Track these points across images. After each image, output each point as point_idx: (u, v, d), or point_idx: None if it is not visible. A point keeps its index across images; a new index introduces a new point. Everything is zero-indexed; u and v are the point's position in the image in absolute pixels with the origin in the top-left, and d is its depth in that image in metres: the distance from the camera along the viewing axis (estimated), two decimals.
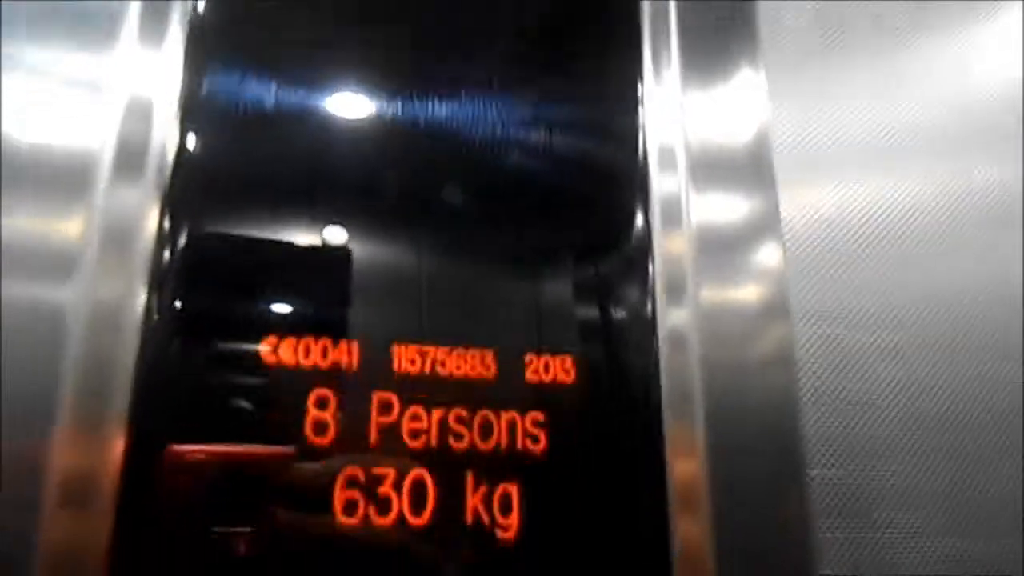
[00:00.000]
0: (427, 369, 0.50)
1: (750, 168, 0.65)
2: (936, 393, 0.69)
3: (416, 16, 0.60)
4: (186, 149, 0.52)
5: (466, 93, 0.57)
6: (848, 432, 0.65)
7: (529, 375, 0.52)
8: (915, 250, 0.73)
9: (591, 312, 0.57)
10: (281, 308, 0.50)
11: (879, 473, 0.65)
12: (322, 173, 0.54)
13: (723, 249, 0.61)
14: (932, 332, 0.70)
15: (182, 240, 0.49)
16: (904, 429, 0.67)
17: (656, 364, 0.54)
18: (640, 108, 0.63)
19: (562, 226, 0.59)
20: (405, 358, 0.50)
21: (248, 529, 0.44)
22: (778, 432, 0.57)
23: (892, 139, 0.76)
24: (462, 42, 0.60)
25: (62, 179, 0.49)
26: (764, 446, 0.56)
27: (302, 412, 0.47)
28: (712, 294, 0.59)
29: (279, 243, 0.51)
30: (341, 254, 0.51)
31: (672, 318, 0.57)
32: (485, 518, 0.48)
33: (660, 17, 0.66)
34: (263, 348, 0.48)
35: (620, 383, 0.55)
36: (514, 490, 0.49)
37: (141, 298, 0.47)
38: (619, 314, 0.57)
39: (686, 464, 0.53)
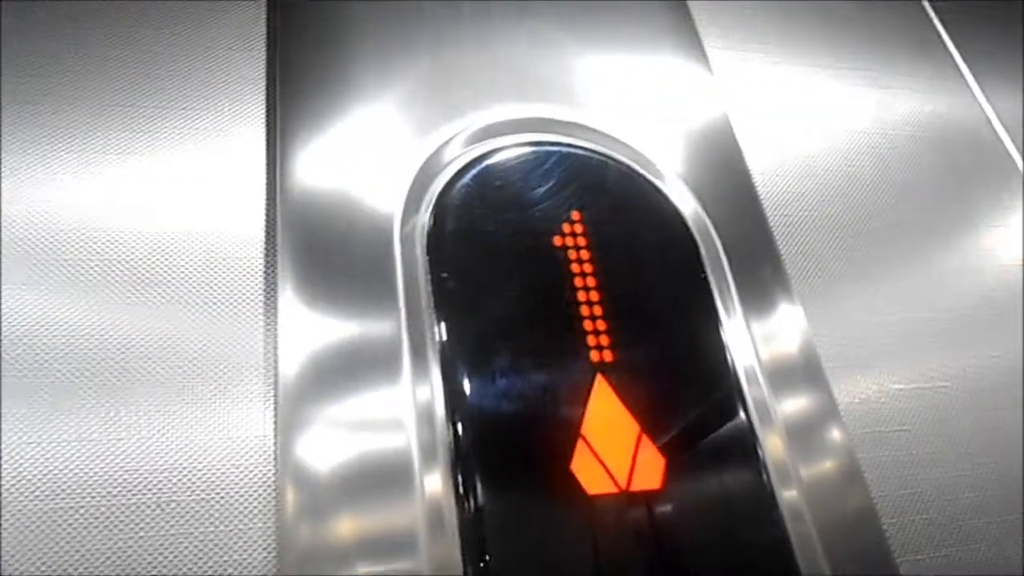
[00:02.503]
0: None
1: (806, 371, 0.86)
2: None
3: None
4: (460, 438, 0.70)
5: None
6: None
7: None
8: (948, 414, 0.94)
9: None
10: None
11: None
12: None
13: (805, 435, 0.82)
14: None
15: (480, 507, 0.67)
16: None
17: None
18: (726, 346, 0.83)
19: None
20: None
21: None
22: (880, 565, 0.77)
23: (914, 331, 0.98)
24: None
25: (390, 480, 0.68)
26: None
27: None
28: (808, 472, 0.79)
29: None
30: None
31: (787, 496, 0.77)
32: None
33: (722, 282, 0.87)
34: None
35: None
36: None
37: (459, 558, 0.65)
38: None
39: None
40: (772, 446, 0.78)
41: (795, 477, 0.78)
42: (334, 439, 0.68)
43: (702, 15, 1.16)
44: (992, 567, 0.86)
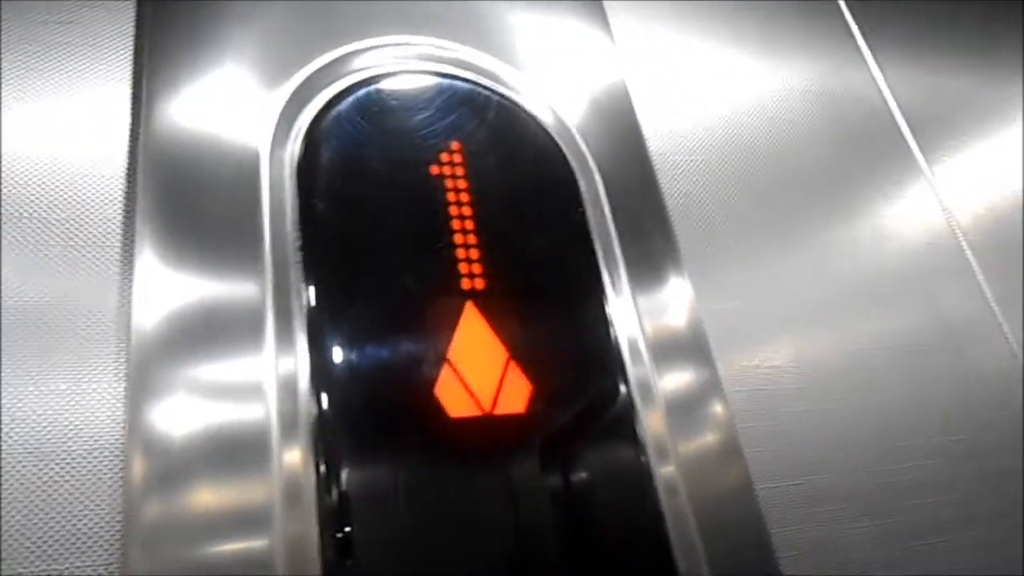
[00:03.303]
0: None
1: (692, 347, 0.85)
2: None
3: None
4: (324, 408, 0.66)
5: None
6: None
7: None
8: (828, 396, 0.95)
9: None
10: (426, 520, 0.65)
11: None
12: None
13: (687, 412, 0.81)
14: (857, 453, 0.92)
15: (339, 481, 0.63)
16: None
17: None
18: (610, 320, 0.81)
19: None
20: None
21: None
22: (752, 539, 0.77)
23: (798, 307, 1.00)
24: None
25: (245, 452, 0.63)
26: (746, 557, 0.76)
27: None
28: (686, 448, 0.78)
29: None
30: None
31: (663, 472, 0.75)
32: None
33: (611, 256, 0.85)
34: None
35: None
36: None
37: (316, 534, 0.61)
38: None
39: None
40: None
41: (672, 450, 0.77)
42: (189, 405, 0.64)
43: None
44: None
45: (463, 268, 0.76)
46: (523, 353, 0.74)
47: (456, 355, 0.71)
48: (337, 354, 0.69)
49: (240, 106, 0.80)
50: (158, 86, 0.79)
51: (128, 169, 0.77)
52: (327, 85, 0.82)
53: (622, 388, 0.77)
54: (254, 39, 0.84)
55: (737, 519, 0.78)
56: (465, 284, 0.75)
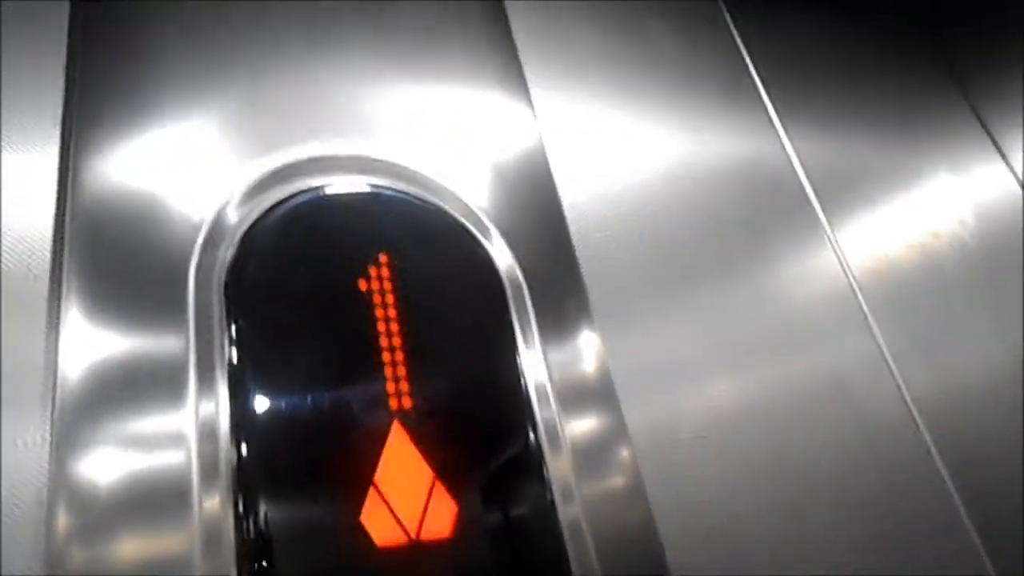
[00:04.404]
0: None
1: (600, 394, 0.90)
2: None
3: None
4: (243, 456, 0.70)
5: None
6: None
7: None
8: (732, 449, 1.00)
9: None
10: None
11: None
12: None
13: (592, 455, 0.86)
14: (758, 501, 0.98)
15: (259, 527, 0.67)
16: None
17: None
18: (521, 370, 0.87)
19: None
20: None
21: None
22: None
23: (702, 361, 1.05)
24: None
25: (166, 498, 0.66)
26: None
27: None
28: (592, 491, 0.83)
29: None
30: None
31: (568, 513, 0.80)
32: None
33: (522, 307, 0.90)
34: None
35: None
36: None
37: None
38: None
39: None
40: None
41: (579, 502, 0.82)
42: (111, 459, 0.67)
43: (528, 55, 1.19)
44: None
45: (391, 387, 0.78)
46: (448, 473, 0.77)
47: (382, 479, 0.74)
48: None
49: (176, 203, 0.82)
50: (86, 159, 0.80)
51: (55, 240, 0.77)
52: (260, 195, 0.83)
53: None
54: (189, 139, 0.85)
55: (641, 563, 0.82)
56: (393, 404, 0.78)
